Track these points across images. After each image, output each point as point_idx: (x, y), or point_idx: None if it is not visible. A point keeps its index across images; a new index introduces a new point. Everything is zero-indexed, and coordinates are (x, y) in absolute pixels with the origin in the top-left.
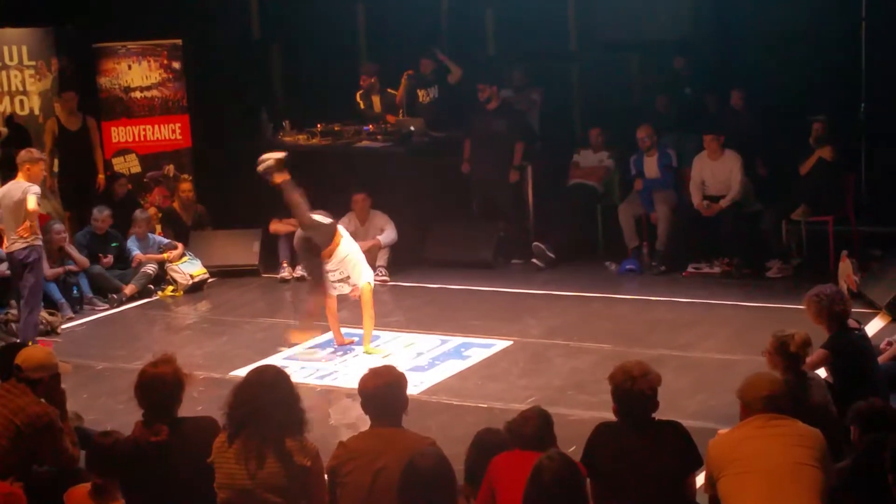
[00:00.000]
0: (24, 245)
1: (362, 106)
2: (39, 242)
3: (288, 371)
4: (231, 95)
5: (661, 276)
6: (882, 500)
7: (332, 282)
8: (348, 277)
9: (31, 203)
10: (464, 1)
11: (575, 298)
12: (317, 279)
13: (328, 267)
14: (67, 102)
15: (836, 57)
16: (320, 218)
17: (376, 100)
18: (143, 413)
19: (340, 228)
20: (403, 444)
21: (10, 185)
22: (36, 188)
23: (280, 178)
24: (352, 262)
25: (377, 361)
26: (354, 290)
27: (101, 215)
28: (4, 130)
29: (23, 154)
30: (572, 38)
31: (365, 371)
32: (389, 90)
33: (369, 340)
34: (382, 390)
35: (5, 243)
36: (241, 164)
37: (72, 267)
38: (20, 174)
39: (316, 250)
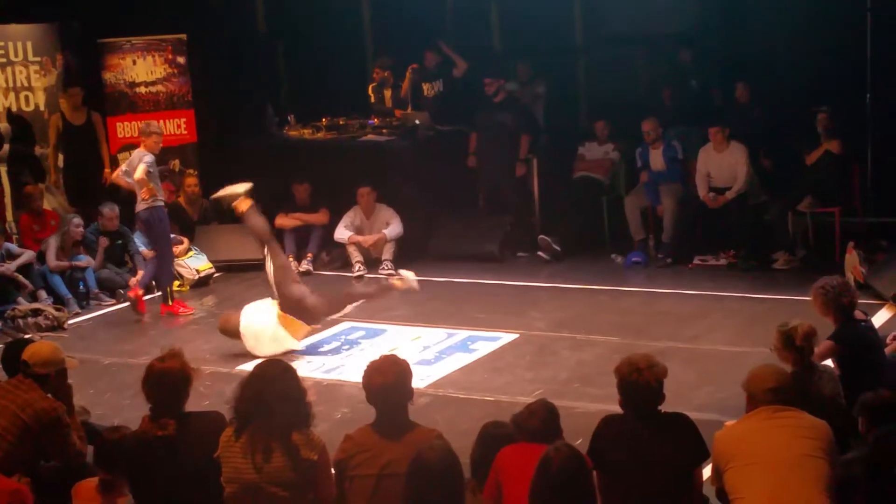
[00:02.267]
0: (145, 206)
1: (373, 99)
2: (160, 203)
3: (294, 365)
4: (236, 90)
5: (667, 268)
6: (890, 493)
7: None
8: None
9: (139, 172)
10: None
11: (581, 291)
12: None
13: None
14: (73, 98)
15: (842, 48)
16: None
17: (388, 94)
18: (151, 408)
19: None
20: (410, 437)
21: (133, 154)
22: (149, 157)
23: (244, 205)
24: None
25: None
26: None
27: (113, 213)
28: (8, 126)
29: (141, 127)
30: (577, 32)
31: (368, 364)
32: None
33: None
34: (386, 382)
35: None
36: (246, 159)
37: (80, 263)
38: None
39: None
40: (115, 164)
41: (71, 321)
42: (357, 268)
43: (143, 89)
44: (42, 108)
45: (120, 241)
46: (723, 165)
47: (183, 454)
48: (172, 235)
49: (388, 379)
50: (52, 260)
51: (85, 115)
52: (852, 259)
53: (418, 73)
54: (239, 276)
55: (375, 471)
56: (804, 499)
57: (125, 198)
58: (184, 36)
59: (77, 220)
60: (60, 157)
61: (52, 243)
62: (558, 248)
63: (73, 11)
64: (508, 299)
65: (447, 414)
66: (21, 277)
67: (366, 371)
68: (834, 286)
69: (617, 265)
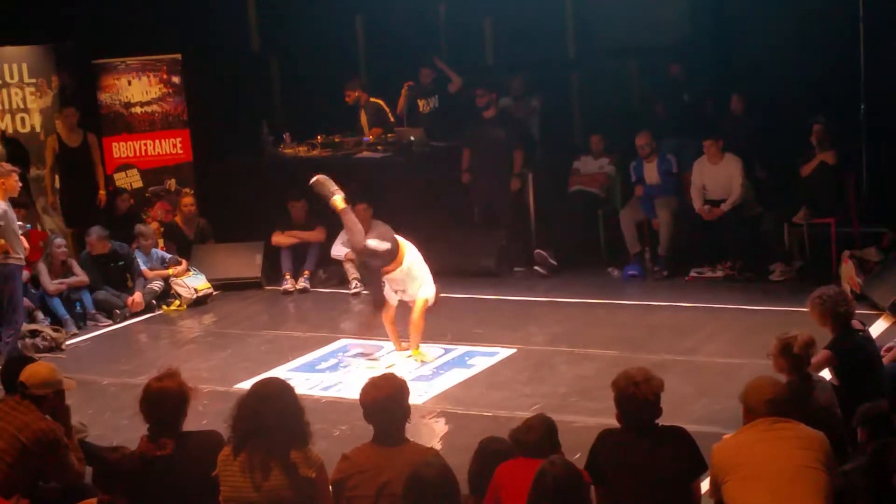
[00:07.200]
0: None
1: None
2: (13, 260)
3: (292, 383)
4: (231, 109)
5: (663, 281)
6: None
7: (391, 292)
8: (404, 291)
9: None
10: (462, 10)
11: (578, 305)
12: (375, 294)
13: (390, 278)
14: (68, 118)
15: (835, 59)
16: (376, 244)
17: (363, 114)
18: (149, 428)
19: (404, 243)
20: (407, 456)
21: None
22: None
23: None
24: (413, 276)
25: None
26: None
27: (91, 238)
28: (2, 149)
29: None
30: (571, 46)
31: (366, 381)
32: (372, 99)
33: (416, 345)
34: (384, 400)
35: None
36: (242, 177)
37: (75, 280)
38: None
39: (375, 267)
40: (110, 184)
41: (68, 342)
42: (354, 284)
43: (138, 109)
44: (38, 129)
45: (122, 263)
46: (718, 177)
47: (181, 474)
48: (170, 255)
49: (385, 397)
50: (48, 285)
51: (81, 136)
52: (848, 269)
53: (414, 90)
54: (236, 294)
55: (373, 492)
56: None
57: (122, 217)
58: (178, 56)
59: (59, 240)
60: (57, 178)
61: (42, 269)
62: (554, 263)
63: (68, 33)
64: (505, 314)
65: (445, 429)
66: None
67: (363, 388)
68: (831, 296)
69: (613, 279)
